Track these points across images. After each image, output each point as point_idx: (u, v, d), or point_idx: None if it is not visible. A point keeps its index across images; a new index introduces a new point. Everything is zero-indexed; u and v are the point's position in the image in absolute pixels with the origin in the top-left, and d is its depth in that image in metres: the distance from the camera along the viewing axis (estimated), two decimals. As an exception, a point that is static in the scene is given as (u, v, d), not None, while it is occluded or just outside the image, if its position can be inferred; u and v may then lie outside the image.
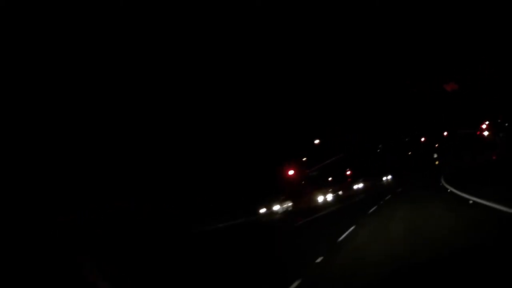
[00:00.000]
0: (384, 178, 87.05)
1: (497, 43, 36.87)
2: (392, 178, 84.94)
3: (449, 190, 21.68)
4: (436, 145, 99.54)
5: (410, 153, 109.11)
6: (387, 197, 30.46)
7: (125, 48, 31.68)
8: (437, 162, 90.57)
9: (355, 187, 74.46)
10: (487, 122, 62.58)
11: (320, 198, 53.84)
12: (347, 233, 14.02)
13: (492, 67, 42.85)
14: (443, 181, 30.83)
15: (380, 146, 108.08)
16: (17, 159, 22.49)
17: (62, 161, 27.22)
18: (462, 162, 66.12)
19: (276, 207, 45.13)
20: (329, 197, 52.83)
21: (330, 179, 79.57)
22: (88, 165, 28.49)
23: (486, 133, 75.26)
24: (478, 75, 44.93)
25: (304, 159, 69.27)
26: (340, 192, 60.15)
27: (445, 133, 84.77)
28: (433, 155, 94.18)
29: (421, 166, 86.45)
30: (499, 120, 63.27)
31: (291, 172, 51.00)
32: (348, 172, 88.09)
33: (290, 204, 48.33)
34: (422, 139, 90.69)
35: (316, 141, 65.25)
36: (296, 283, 8.01)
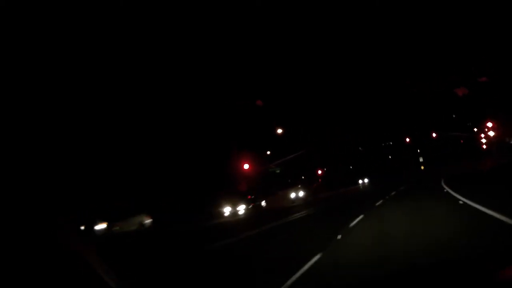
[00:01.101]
0: (360, 181, 74.52)
1: (498, 43, 36.19)
2: (370, 182, 72.55)
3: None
4: (420, 149, 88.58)
5: (390, 157, 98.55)
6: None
7: (122, 48, 32.82)
8: (422, 167, 78.62)
9: (292, 195, 46.70)
10: (489, 124, 51.45)
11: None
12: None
13: (492, 68, 41.75)
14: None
15: (360, 148, 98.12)
16: (17, 158, 22.73)
17: (60, 160, 27.91)
18: (454, 168, 55.49)
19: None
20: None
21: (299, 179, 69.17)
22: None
23: (483, 140, 65.92)
24: (478, 76, 43.05)
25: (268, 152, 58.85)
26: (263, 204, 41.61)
27: (434, 135, 72.94)
28: (418, 159, 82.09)
29: (403, 172, 74.97)
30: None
31: (246, 167, 41.64)
32: (320, 172, 75.67)
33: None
34: (407, 140, 79.25)
35: (279, 131, 52.98)
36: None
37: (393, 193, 29.40)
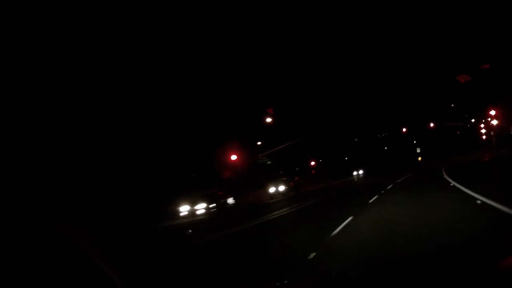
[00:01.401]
0: (355, 173, 71.13)
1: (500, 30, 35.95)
2: (364, 174, 69.16)
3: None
4: (417, 140, 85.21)
5: (386, 148, 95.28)
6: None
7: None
8: (420, 158, 75.23)
9: (271, 190, 39.98)
10: (492, 112, 48.30)
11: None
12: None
13: (494, 55, 41.39)
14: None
15: (356, 139, 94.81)
16: (17, 156, 22.98)
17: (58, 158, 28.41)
18: (454, 159, 52.50)
19: (201, 206, 29.70)
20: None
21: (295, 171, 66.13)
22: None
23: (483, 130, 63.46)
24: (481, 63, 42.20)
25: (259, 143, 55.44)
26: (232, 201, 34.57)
27: (432, 125, 69.62)
28: (415, 150, 78.62)
29: (400, 164, 71.64)
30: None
31: (234, 157, 38.94)
32: (312, 163, 72.21)
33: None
34: (403, 130, 75.87)
35: (268, 120, 49.62)
36: None
37: (389, 187, 25.99)
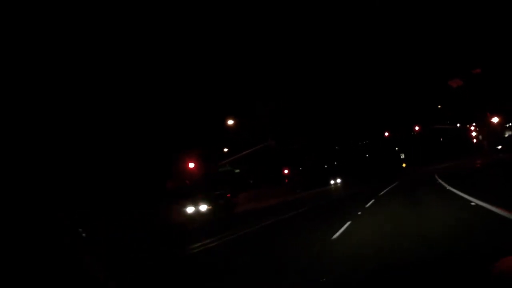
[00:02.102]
0: (332, 182, 63.59)
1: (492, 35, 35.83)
2: (342, 183, 61.70)
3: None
4: (401, 145, 78.51)
5: (367, 155, 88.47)
6: None
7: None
8: (404, 165, 68.10)
9: (189, 210, 28.51)
10: (496, 120, 43.84)
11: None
12: None
13: (485, 59, 40.80)
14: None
15: (336, 147, 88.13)
16: (17, 155, 22.88)
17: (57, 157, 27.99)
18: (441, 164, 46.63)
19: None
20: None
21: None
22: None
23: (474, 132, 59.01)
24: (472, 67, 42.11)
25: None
26: None
27: (417, 128, 62.92)
28: (399, 155, 71.50)
29: (383, 171, 64.59)
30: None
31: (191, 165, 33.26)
32: (286, 171, 64.58)
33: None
34: (386, 134, 69.10)
35: (230, 122, 42.39)
36: None
37: (369, 204, 18.13)
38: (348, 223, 11.91)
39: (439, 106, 67.04)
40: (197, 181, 36.45)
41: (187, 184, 34.00)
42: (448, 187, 17.80)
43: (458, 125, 62.02)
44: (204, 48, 53.29)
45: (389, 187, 28.95)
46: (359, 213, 14.72)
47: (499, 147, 52.46)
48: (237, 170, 53.01)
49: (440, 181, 23.22)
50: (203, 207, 28.52)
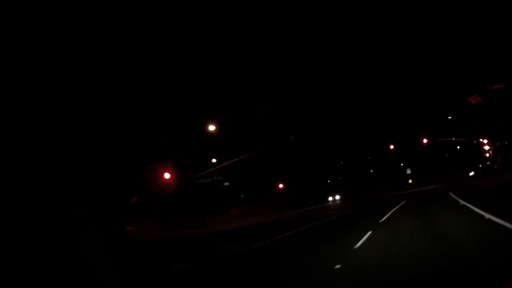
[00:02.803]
0: (331, 199, 58.43)
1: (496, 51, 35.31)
2: (341, 200, 56.60)
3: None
4: (407, 159, 73.46)
5: (372, 170, 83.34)
6: None
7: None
8: (410, 181, 62.80)
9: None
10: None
11: None
12: None
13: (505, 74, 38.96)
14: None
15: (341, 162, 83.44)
16: (16, 155, 22.28)
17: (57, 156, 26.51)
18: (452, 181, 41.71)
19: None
20: None
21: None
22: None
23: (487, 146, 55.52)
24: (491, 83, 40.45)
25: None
26: None
27: (425, 141, 57.98)
28: (405, 171, 66.20)
29: (387, 187, 59.37)
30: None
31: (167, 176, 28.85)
32: (281, 186, 59.36)
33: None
34: (391, 147, 64.19)
35: (212, 128, 37.06)
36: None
37: (366, 237, 12.77)
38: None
39: (449, 117, 62.23)
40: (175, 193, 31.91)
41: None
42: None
43: (474, 141, 57.97)
44: (204, 48, 50.11)
45: (394, 209, 23.80)
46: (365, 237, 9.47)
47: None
48: (227, 183, 48.14)
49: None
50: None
